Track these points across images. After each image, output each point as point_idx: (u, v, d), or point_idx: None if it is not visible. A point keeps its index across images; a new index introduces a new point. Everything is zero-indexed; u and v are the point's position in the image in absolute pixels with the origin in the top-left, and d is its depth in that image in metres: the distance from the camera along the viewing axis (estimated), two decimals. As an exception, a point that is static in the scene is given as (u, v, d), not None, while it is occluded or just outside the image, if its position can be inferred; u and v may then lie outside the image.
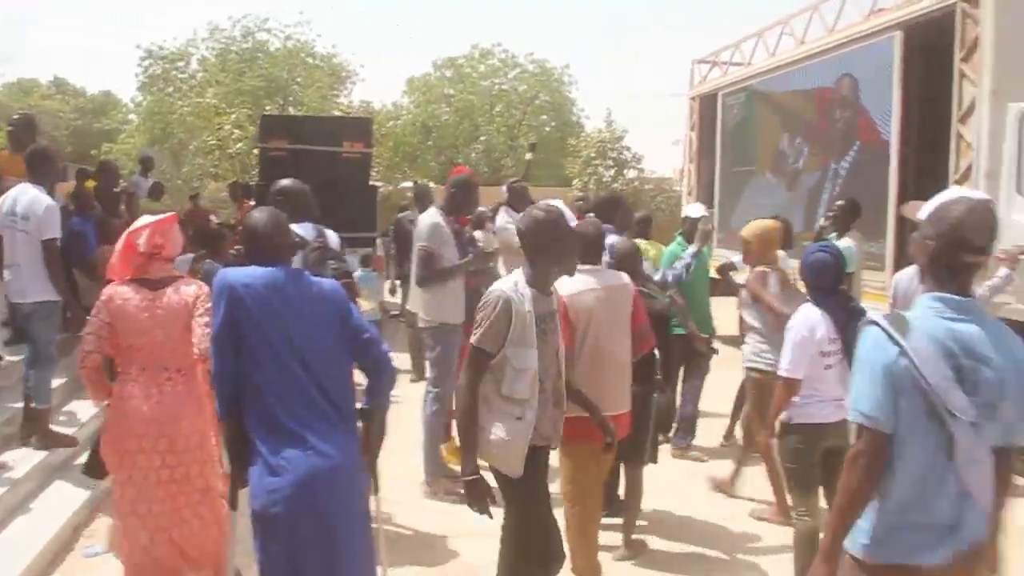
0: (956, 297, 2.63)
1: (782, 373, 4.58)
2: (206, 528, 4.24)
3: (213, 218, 13.67)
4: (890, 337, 2.59)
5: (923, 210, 2.80)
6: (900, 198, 8.78)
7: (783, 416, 4.67)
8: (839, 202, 7.89)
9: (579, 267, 4.25)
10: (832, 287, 4.62)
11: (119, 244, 4.30)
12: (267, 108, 29.97)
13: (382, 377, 3.75)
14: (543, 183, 30.06)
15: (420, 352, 8.10)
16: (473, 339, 3.76)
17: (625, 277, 4.79)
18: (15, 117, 8.73)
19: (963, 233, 2.61)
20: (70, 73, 76.73)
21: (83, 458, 5.06)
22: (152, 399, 4.12)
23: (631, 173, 31.27)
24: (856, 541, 2.68)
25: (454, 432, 7.37)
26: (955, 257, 2.63)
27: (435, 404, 6.53)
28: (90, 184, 10.67)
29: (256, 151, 20.35)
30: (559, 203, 4.04)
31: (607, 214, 6.22)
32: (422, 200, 8.90)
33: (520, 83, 40.22)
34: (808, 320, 4.57)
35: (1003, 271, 6.79)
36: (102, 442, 4.26)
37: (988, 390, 2.54)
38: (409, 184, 29.07)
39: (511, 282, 3.83)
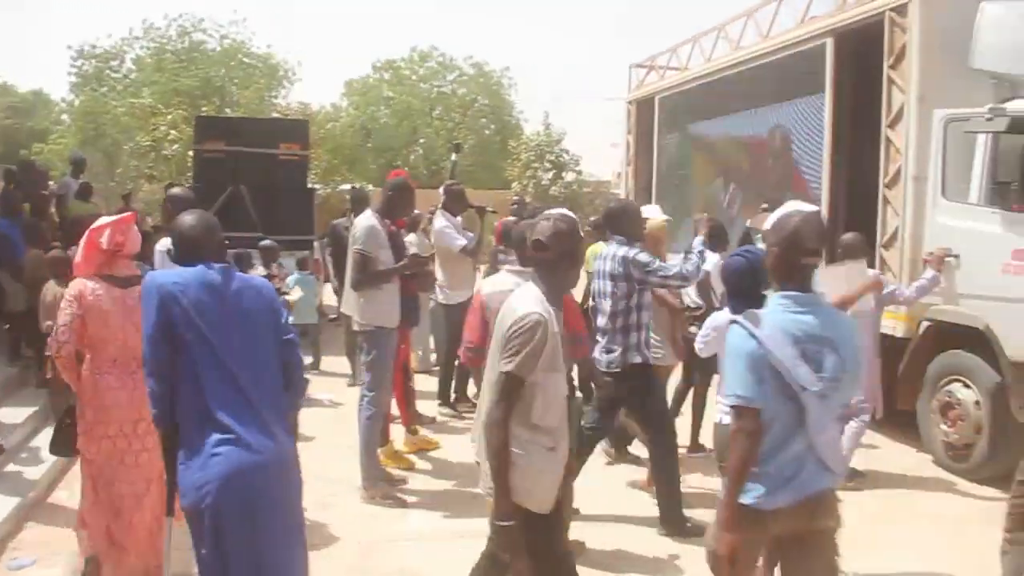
0: (799, 294, 3.25)
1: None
2: (157, 520, 4.40)
3: (149, 220, 13.47)
4: (748, 331, 3.19)
5: (767, 222, 3.40)
6: (832, 199, 8.94)
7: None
8: (764, 205, 8.06)
9: (508, 268, 4.55)
10: (749, 291, 4.50)
11: (82, 243, 4.54)
12: (203, 109, 29.57)
13: (297, 378, 3.74)
14: (482, 185, 30.11)
15: (357, 356, 8.07)
16: (510, 367, 3.44)
17: None
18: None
19: (799, 239, 3.22)
20: (1, 71, 74.88)
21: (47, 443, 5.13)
22: (129, 388, 4.40)
23: (569, 176, 31.46)
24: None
25: (392, 435, 7.41)
26: (794, 259, 3.24)
27: (371, 408, 6.48)
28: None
29: (192, 153, 20.10)
30: (565, 210, 3.96)
31: (618, 225, 6.05)
32: (359, 205, 8.72)
33: (459, 86, 40.24)
34: (716, 326, 4.67)
35: (930, 273, 6.97)
36: (79, 430, 4.49)
37: (830, 368, 3.18)
38: (348, 187, 28.92)
39: (538, 301, 3.54)
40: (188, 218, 3.69)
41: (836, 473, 3.34)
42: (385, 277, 6.40)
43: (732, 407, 3.25)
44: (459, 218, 8.68)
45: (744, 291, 4.53)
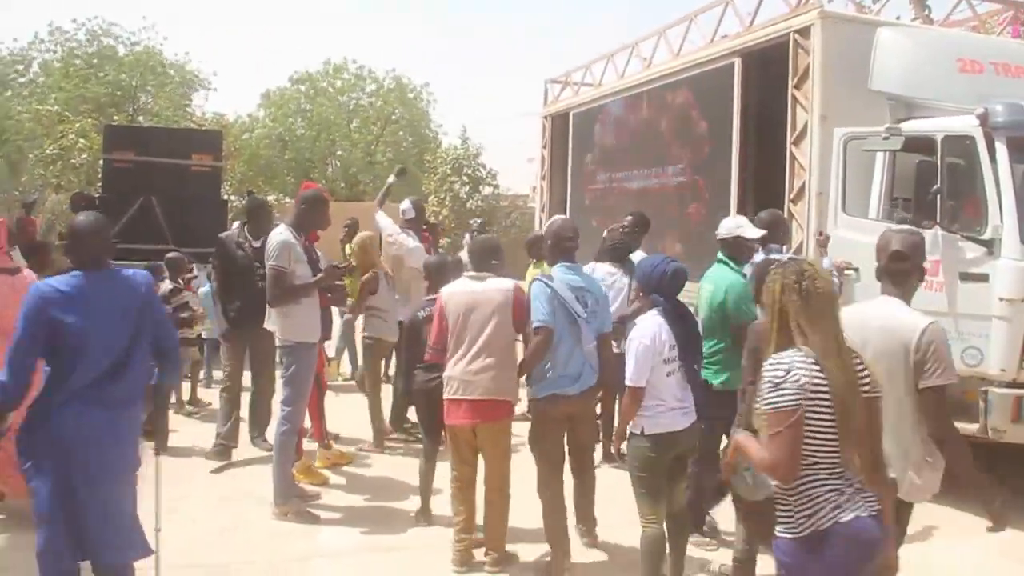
0: (569, 264, 5.49)
1: (628, 383, 4.75)
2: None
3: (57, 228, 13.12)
4: (547, 284, 5.29)
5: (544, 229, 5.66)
6: (740, 213, 9.19)
7: (631, 426, 4.84)
8: (629, 216, 8.23)
9: (467, 274, 5.63)
10: (675, 296, 4.93)
11: None
12: (115, 117, 28.92)
13: (170, 361, 4.44)
14: (400, 198, 30.02)
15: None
16: (948, 378, 3.77)
17: (506, 284, 5.50)
18: None
19: (560, 233, 5.61)
20: None
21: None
22: None
23: (487, 190, 31.55)
24: (536, 391, 5.36)
25: (304, 450, 7.34)
26: (562, 245, 5.56)
27: (286, 424, 6.39)
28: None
29: (101, 162, 19.63)
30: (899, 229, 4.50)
31: (773, 233, 6.67)
32: (255, 216, 7.92)
33: (377, 99, 40.05)
34: (649, 329, 4.77)
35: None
36: None
37: (590, 304, 5.38)
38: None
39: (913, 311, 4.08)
40: (81, 219, 4.20)
41: (597, 372, 5.41)
42: (302, 292, 6.32)
43: (536, 328, 5.22)
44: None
45: (672, 297, 4.95)
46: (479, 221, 9.74)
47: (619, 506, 5.70)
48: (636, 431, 4.79)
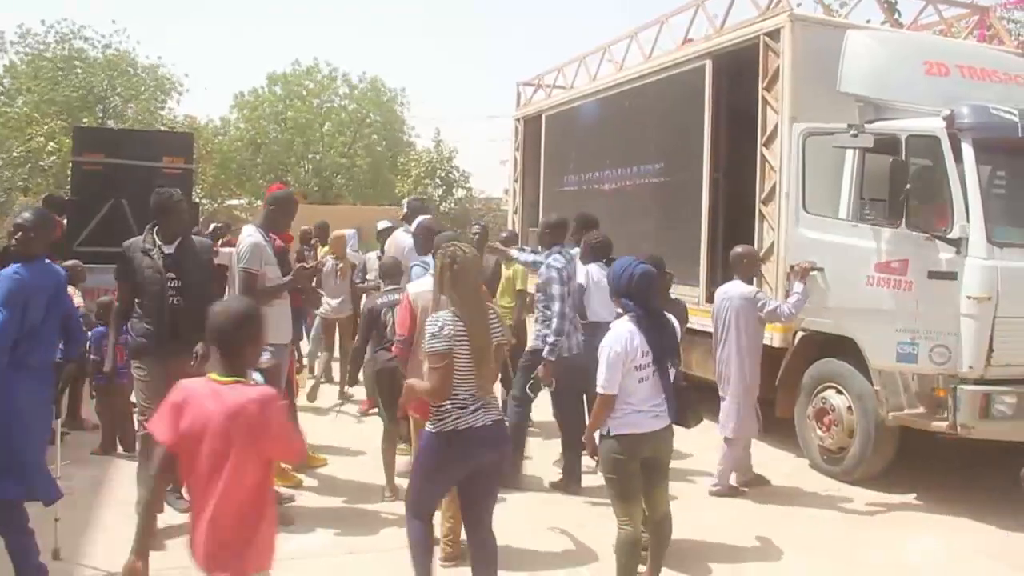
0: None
1: (599, 390, 4.76)
2: None
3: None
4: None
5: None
6: (711, 215, 9.26)
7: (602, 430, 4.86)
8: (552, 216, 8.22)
9: (431, 272, 5.43)
10: (651, 300, 4.90)
11: None
12: (85, 120, 28.63)
13: (74, 340, 5.44)
14: (373, 201, 29.99)
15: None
16: None
17: None
18: None
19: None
20: None
21: None
22: None
23: (460, 192, 31.57)
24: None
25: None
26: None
27: None
28: None
29: (71, 165, 19.40)
30: None
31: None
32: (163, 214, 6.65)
33: (350, 102, 39.88)
34: (620, 336, 4.78)
35: (799, 286, 7.25)
36: None
37: None
38: (236, 202, 28.38)
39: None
40: (26, 214, 5.09)
41: None
42: (274, 293, 6.30)
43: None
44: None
45: (647, 301, 4.93)
46: (480, 225, 9.77)
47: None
48: (604, 432, 4.83)
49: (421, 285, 5.73)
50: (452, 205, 29.94)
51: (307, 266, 6.63)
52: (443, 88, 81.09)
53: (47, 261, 5.16)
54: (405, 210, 9.04)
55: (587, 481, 7.00)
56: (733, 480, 7.23)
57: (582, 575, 5.54)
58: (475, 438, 4.41)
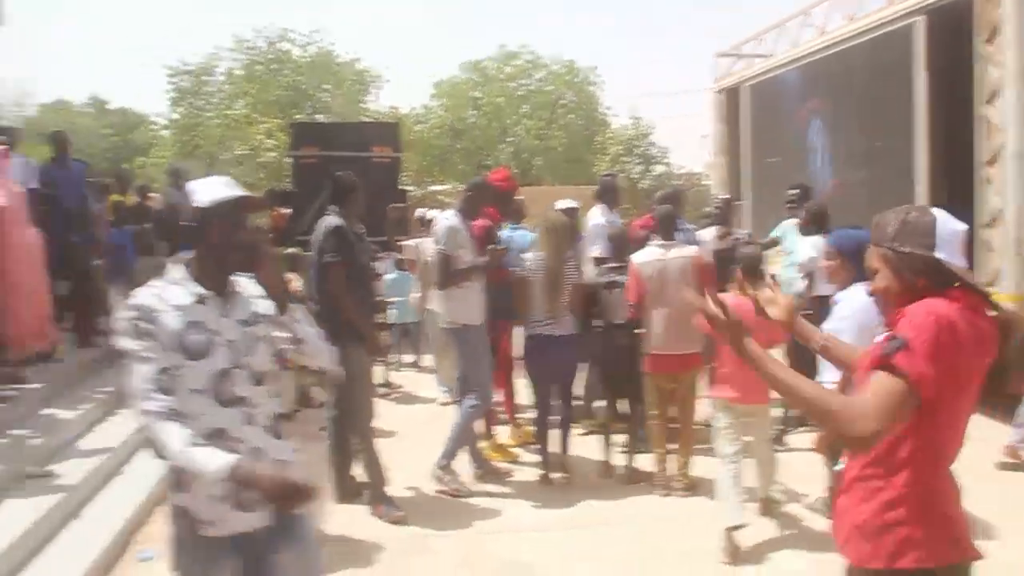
0: None
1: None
2: None
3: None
4: None
5: None
6: (931, 180, 8.76)
7: None
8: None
9: (654, 243, 6.57)
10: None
11: None
12: (296, 117, 30.24)
13: None
14: (570, 181, 30.12)
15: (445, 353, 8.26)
16: None
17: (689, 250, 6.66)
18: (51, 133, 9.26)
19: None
20: (101, 90, 78.09)
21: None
22: None
23: (659, 168, 31.26)
24: None
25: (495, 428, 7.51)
26: None
27: (474, 401, 6.58)
28: (124, 197, 10.89)
29: (286, 158, 20.56)
30: None
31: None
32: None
33: (545, 84, 40.12)
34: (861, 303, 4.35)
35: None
36: None
37: None
38: (439, 188, 29.20)
39: None
40: None
41: None
42: (466, 275, 6.51)
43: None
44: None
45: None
46: (675, 185, 9.81)
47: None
48: None
49: (646, 255, 6.52)
50: (651, 182, 29.65)
51: (499, 248, 6.75)
52: (637, 64, 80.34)
53: None
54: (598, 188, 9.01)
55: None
56: None
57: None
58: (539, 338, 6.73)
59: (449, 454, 6.57)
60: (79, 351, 8.99)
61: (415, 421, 8.52)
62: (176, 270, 2.87)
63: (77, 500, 6.00)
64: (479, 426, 7.13)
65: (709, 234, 8.57)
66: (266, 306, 2.97)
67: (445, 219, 6.69)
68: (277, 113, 30.12)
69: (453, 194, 30.97)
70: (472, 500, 6.43)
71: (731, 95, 14.31)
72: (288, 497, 2.57)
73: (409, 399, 9.74)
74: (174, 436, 2.61)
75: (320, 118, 31.75)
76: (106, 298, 9.67)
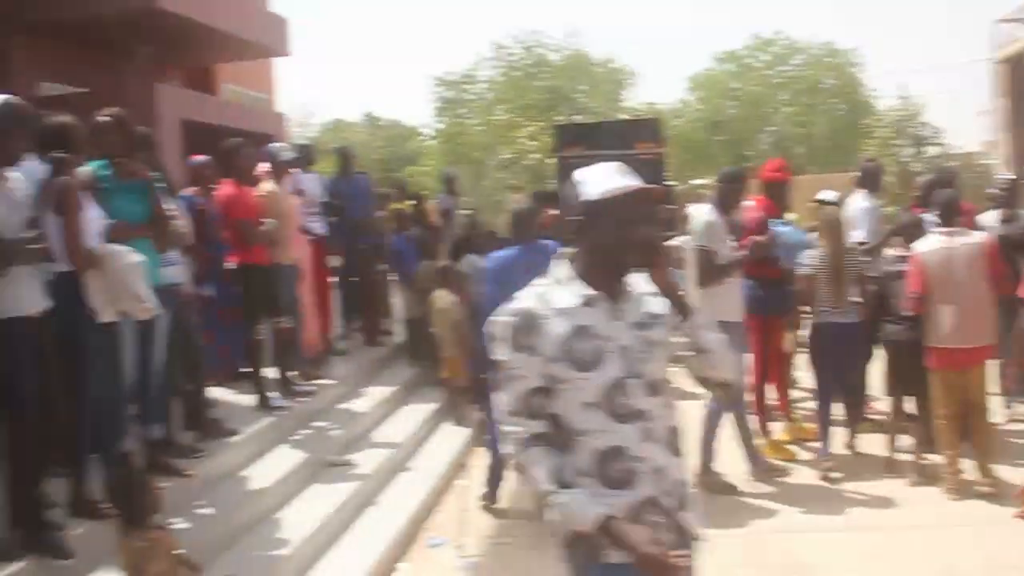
0: None
1: None
2: None
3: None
4: None
5: None
6: None
7: None
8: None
9: (934, 230, 6.25)
10: None
11: None
12: (556, 119, 30.99)
13: None
14: (834, 167, 29.03)
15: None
16: None
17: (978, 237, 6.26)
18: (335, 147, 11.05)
19: None
20: (373, 106, 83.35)
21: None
22: None
23: (933, 150, 29.51)
24: None
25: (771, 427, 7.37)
26: None
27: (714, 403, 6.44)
28: (403, 205, 11.59)
29: (547, 160, 21.12)
30: None
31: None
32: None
33: (805, 69, 38.79)
34: None
35: None
36: None
37: None
38: (699, 181, 29.06)
39: None
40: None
41: None
42: (727, 271, 6.40)
43: None
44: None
45: None
46: (946, 168, 9.23)
47: None
48: None
49: (927, 245, 6.22)
50: (925, 164, 28.00)
51: (762, 240, 6.62)
52: (901, 37, 75.94)
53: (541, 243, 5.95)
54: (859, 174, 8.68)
55: None
56: None
57: None
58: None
59: (705, 457, 6.51)
60: (367, 350, 9.85)
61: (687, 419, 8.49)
62: (560, 268, 2.63)
63: (371, 488, 6.50)
64: (753, 424, 6.97)
65: (991, 218, 7.90)
66: (661, 305, 2.66)
67: (704, 214, 6.63)
68: (536, 116, 30.96)
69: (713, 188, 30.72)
70: (748, 500, 6.36)
71: (1016, 65, 13.44)
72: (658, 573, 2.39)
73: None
74: (542, 469, 2.46)
75: (579, 119, 32.32)
76: (388, 301, 10.61)
